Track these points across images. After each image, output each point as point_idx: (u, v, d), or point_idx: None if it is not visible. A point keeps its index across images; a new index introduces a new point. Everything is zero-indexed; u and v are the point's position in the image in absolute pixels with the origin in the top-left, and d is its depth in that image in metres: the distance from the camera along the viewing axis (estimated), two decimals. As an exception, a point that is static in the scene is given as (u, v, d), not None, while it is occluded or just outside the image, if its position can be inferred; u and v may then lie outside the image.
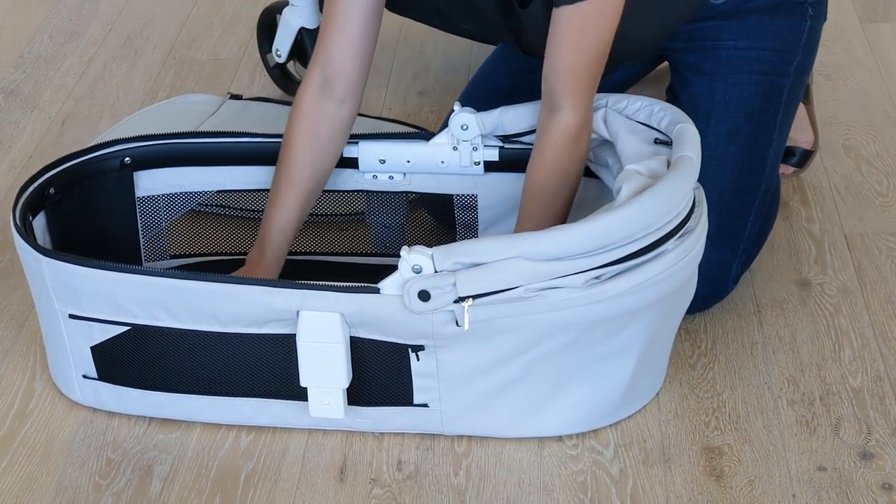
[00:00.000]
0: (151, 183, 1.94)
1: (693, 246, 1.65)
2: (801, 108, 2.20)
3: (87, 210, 1.90)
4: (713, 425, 1.73)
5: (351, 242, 2.00)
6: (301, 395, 1.69)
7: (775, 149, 1.94)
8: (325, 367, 1.65)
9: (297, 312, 1.63)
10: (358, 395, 1.70)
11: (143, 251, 1.97)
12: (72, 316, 1.71)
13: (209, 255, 2.01)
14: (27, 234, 1.73)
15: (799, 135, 2.18)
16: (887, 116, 2.35)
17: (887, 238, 2.05)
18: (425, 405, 1.69)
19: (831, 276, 1.98)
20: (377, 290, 1.60)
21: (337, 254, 2.00)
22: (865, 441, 1.69)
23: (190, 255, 2.01)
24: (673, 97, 1.95)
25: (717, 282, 1.87)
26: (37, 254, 1.69)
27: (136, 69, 2.61)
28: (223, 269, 1.98)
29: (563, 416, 1.70)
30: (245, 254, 2.00)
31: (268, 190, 1.93)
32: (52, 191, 1.83)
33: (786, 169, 2.18)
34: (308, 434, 1.74)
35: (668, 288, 1.63)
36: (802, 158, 2.19)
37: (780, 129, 1.94)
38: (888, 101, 2.39)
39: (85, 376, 1.76)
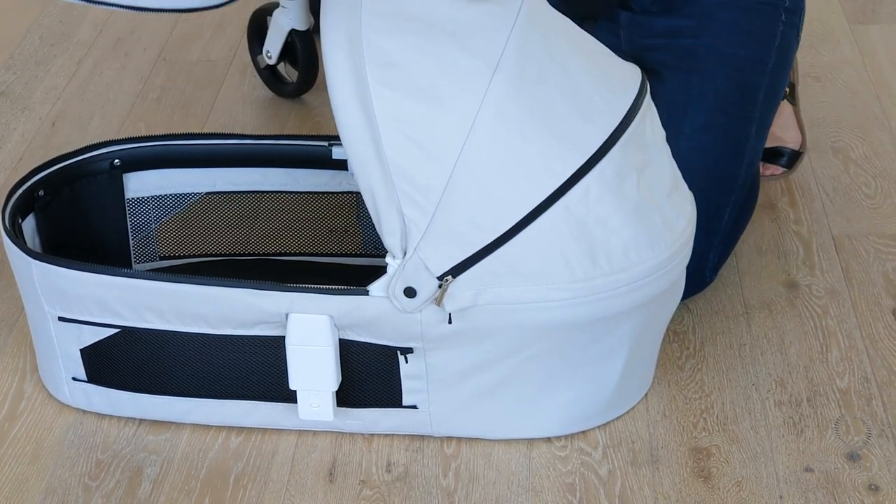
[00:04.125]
0: (141, 185, 1.94)
1: (682, 249, 1.65)
2: (788, 108, 2.22)
3: (76, 212, 1.90)
4: (701, 426, 1.73)
5: (342, 244, 2.01)
6: (291, 397, 1.70)
7: (753, 144, 1.95)
8: (313, 370, 1.66)
9: (286, 315, 1.63)
10: (347, 396, 1.70)
11: (132, 253, 1.97)
12: (61, 318, 1.71)
13: (199, 256, 2.01)
14: (16, 236, 1.73)
15: (786, 135, 2.20)
16: (875, 118, 2.36)
17: (875, 240, 2.06)
18: (414, 407, 1.70)
19: (819, 277, 1.99)
20: (366, 292, 1.60)
21: (328, 255, 2.01)
22: (852, 442, 1.70)
23: (180, 257, 2.01)
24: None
25: (694, 270, 1.87)
26: (26, 256, 1.69)
27: (127, 70, 2.61)
28: (213, 270, 1.98)
29: (552, 417, 1.70)
30: (236, 255, 2.00)
31: (256, 192, 1.93)
32: (41, 193, 1.83)
33: (775, 170, 2.19)
34: (298, 435, 1.74)
35: (654, 291, 1.63)
36: (791, 159, 2.20)
37: (759, 126, 1.96)
38: (876, 103, 2.40)
39: (74, 378, 1.76)
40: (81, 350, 1.73)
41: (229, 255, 2.01)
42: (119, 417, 1.78)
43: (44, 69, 2.63)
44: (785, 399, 1.77)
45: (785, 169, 2.20)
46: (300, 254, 2.01)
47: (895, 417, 1.73)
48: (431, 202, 1.54)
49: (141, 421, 1.77)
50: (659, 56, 1.95)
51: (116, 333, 1.70)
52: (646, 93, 1.64)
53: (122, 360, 1.72)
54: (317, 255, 2.01)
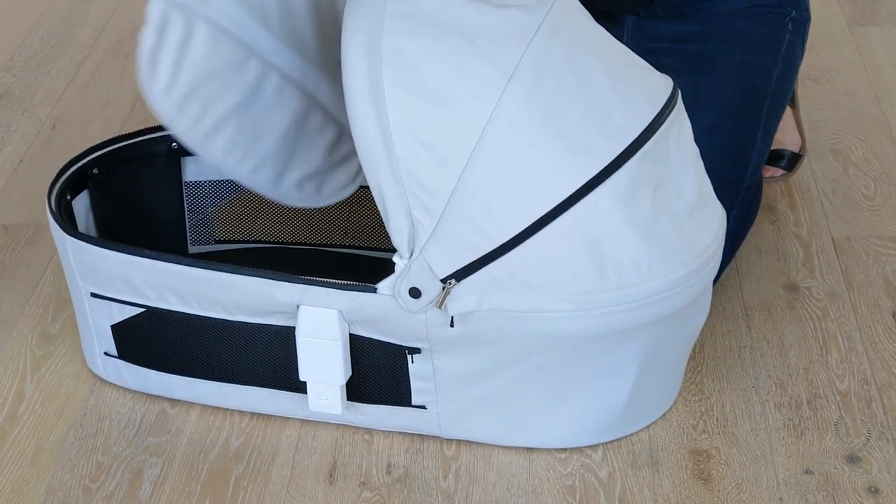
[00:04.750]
0: (199, 169, 1.95)
1: (701, 268, 1.63)
2: (788, 111, 2.22)
3: (133, 192, 1.93)
4: (701, 428, 1.74)
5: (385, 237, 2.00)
6: (303, 387, 1.71)
7: (759, 149, 1.95)
8: (322, 363, 1.67)
9: (298, 306, 1.64)
10: (358, 391, 1.71)
11: (189, 235, 2.00)
12: (93, 294, 1.75)
13: (254, 242, 2.03)
14: (59, 213, 1.77)
15: (786, 137, 2.20)
16: (875, 120, 2.36)
17: (875, 241, 2.06)
18: (423, 407, 1.70)
19: (819, 279, 1.99)
20: (374, 290, 1.61)
21: (382, 250, 2.01)
22: (852, 444, 1.70)
23: (235, 241, 2.02)
24: None
25: None
26: (61, 232, 1.74)
27: (127, 72, 2.62)
28: (267, 255, 2.01)
29: (561, 428, 1.69)
30: (289, 243, 2.01)
31: None
32: (95, 171, 1.87)
33: (775, 172, 2.20)
34: (298, 437, 1.74)
35: (669, 308, 1.61)
36: (791, 162, 2.20)
37: (765, 131, 1.96)
38: (876, 105, 2.40)
39: (106, 353, 1.80)
40: (112, 326, 1.77)
41: (283, 242, 2.03)
42: (119, 419, 1.78)
43: (44, 71, 2.63)
44: (785, 401, 1.77)
45: (785, 171, 2.20)
46: (354, 247, 2.02)
47: (895, 419, 1.74)
48: (439, 205, 1.54)
49: (142, 421, 1.77)
50: (664, 59, 1.96)
51: (142, 313, 1.73)
52: (673, 106, 1.62)
53: (148, 338, 1.76)
54: (371, 248, 2.02)
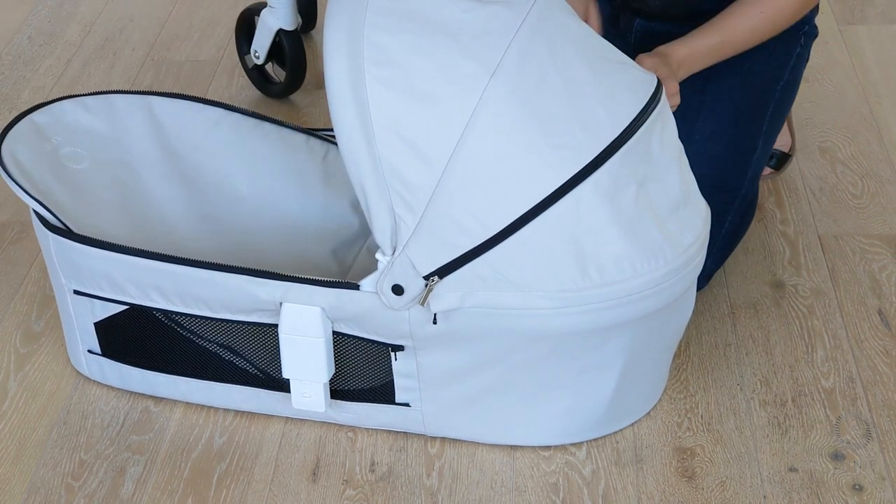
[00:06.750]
0: None
1: (684, 266, 1.63)
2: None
3: None
4: (685, 426, 1.73)
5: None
6: (287, 385, 1.71)
7: (758, 156, 1.95)
8: (305, 361, 1.66)
9: (280, 304, 1.64)
10: (341, 389, 1.71)
11: None
12: (76, 292, 1.75)
13: None
14: (46, 209, 1.76)
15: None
16: (863, 119, 2.36)
17: (861, 240, 2.06)
18: (407, 405, 1.70)
19: (805, 277, 1.99)
20: (357, 287, 1.60)
21: None
22: (837, 442, 1.70)
23: None
24: None
25: None
26: (44, 228, 1.73)
27: (115, 70, 2.61)
28: None
29: (545, 426, 1.69)
30: None
31: None
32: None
33: (763, 171, 2.19)
34: (282, 435, 1.74)
35: (651, 305, 1.60)
36: (780, 161, 2.20)
37: (765, 138, 1.96)
38: (864, 104, 2.40)
39: (90, 351, 1.80)
40: (95, 324, 1.77)
41: None
42: (102, 417, 1.77)
43: (32, 69, 2.62)
44: (770, 399, 1.77)
45: (773, 170, 2.19)
46: None
47: (880, 417, 1.73)
48: (421, 202, 1.54)
49: (125, 420, 1.77)
50: None
51: (126, 310, 1.73)
52: (656, 104, 1.61)
53: (131, 336, 1.76)
54: None
